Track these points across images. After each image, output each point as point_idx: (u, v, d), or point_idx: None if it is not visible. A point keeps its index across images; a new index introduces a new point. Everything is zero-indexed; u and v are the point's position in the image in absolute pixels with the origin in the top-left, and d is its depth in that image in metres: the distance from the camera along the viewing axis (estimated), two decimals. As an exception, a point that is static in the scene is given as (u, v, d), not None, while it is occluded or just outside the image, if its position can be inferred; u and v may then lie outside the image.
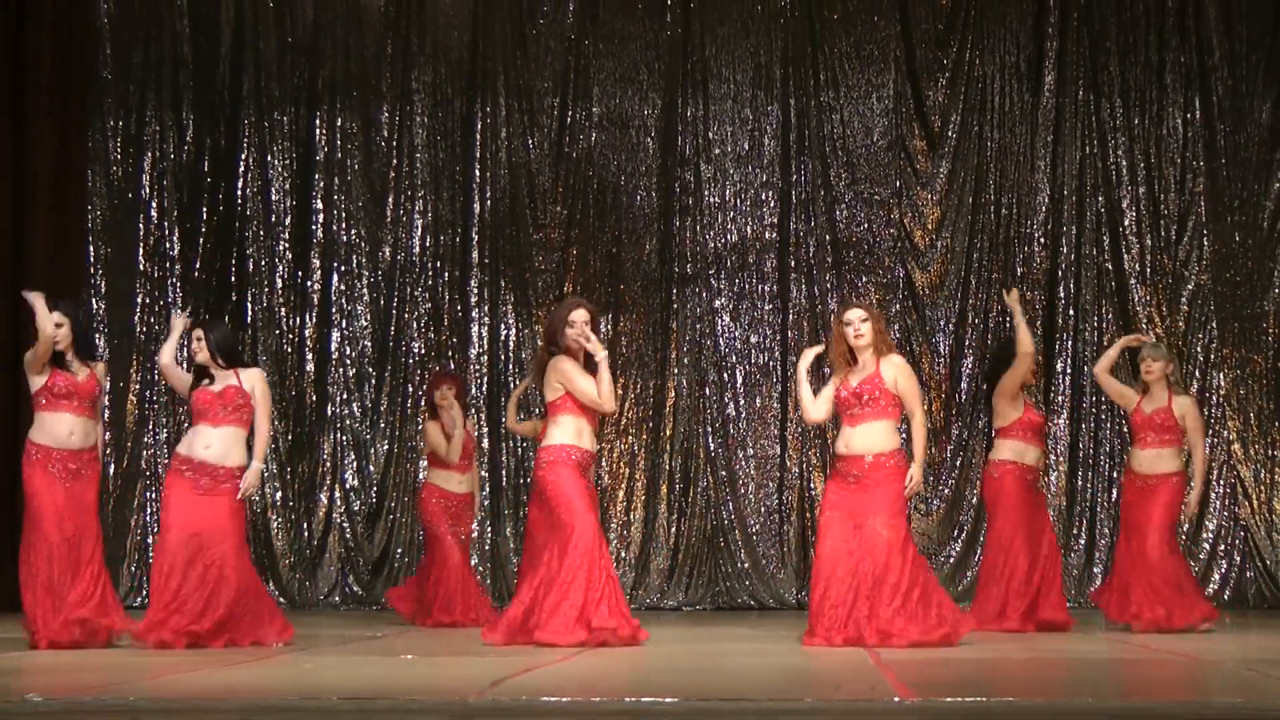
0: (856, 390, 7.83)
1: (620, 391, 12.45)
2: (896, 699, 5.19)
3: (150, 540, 12.25)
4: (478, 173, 12.71)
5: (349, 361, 12.56)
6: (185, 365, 8.40)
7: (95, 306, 12.40)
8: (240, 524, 7.99)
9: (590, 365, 7.82)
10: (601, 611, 7.58)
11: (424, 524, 10.30)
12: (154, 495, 12.31)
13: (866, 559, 7.67)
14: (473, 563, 12.23)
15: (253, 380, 8.07)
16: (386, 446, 12.42)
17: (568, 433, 7.85)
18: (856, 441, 7.83)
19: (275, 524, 12.32)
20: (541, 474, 7.88)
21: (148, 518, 12.29)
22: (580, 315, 7.85)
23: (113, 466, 12.29)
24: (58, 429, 8.01)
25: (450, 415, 10.08)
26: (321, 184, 12.72)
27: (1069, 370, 12.26)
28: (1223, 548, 11.90)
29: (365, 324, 12.61)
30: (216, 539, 7.85)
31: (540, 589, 7.71)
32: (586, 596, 7.60)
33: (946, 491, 12.28)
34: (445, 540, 10.16)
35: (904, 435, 8.08)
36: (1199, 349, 12.14)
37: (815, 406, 8.09)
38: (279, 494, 12.38)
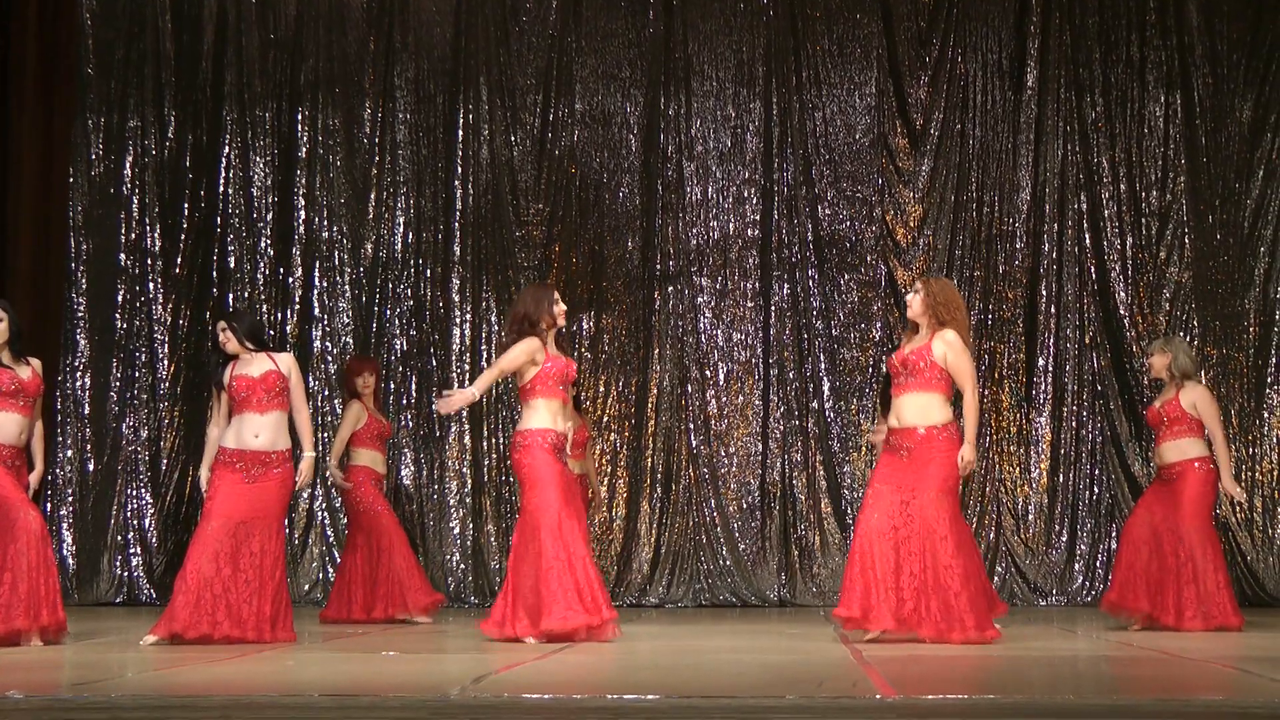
0: (904, 358, 7.85)
1: (602, 389, 12.47)
2: (879, 696, 5.20)
3: (131, 537, 12.22)
4: (460, 169, 12.70)
5: (330, 358, 12.54)
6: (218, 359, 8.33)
7: (76, 302, 12.38)
8: (285, 509, 8.06)
9: (558, 342, 8.25)
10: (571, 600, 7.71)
11: (360, 506, 10.21)
12: (134, 492, 12.28)
13: (914, 540, 7.67)
14: (454, 559, 12.27)
15: (288, 364, 8.11)
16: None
17: (543, 416, 7.99)
18: (907, 414, 7.81)
19: (257, 521, 12.28)
20: (517, 457, 7.99)
21: (128, 515, 12.26)
22: (557, 293, 8.24)
23: (92, 463, 12.26)
24: (9, 428, 8.01)
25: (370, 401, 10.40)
26: (303, 180, 12.70)
27: (1050, 367, 12.28)
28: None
29: (347, 321, 12.59)
30: (262, 525, 7.89)
31: (531, 576, 7.77)
32: (576, 580, 7.71)
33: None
34: (384, 518, 10.18)
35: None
36: (1180, 347, 12.15)
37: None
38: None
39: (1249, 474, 12.03)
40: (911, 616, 7.60)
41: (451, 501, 12.33)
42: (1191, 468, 9.10)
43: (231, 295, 12.54)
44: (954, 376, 7.78)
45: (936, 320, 7.84)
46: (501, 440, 12.34)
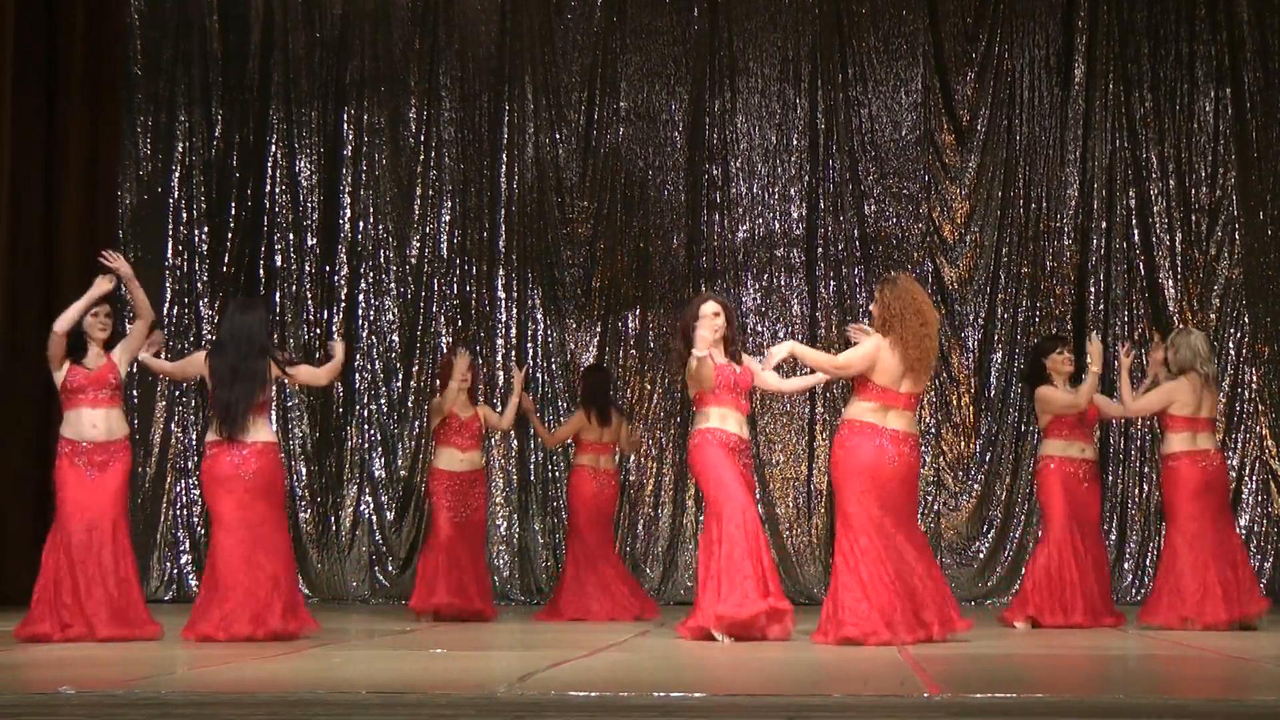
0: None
1: (647, 386, 12.46)
2: (926, 694, 5.17)
3: (181, 534, 12.31)
4: (505, 167, 12.71)
5: (376, 355, 12.58)
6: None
7: (124, 300, 12.42)
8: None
9: (733, 354, 8.12)
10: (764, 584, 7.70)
11: (430, 502, 10.39)
12: (184, 490, 12.34)
13: None
14: (501, 557, 12.25)
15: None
16: (414, 440, 12.43)
17: (710, 419, 8.00)
18: None
19: (304, 517, 12.34)
20: (689, 455, 8.08)
21: (177, 512, 12.33)
22: (709, 308, 8.04)
23: (142, 461, 12.30)
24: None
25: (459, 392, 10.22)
26: (349, 179, 12.74)
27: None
28: (1255, 544, 11.82)
29: (392, 318, 12.63)
30: None
31: (711, 569, 7.78)
32: (755, 568, 7.68)
33: (976, 487, 12.22)
34: (440, 516, 10.14)
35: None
36: (1230, 344, 12.06)
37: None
38: (307, 487, 12.40)
39: (1300, 473, 11.93)
40: None
41: (498, 499, 12.34)
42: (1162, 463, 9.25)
43: (278, 293, 12.59)
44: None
45: (885, 331, 7.69)
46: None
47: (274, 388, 8.24)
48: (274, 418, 12.15)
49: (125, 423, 8.26)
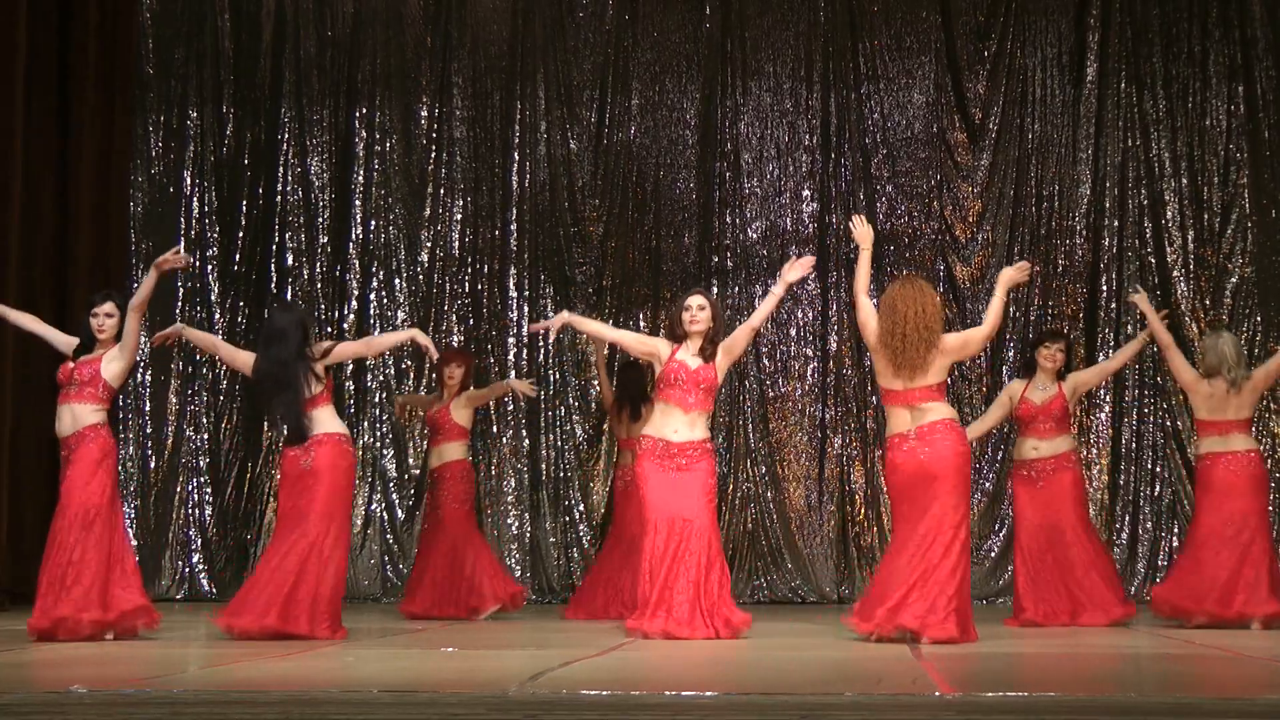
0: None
1: (659, 384, 12.45)
2: (938, 693, 5.16)
3: (193, 533, 12.31)
4: (516, 166, 12.71)
5: (387, 354, 12.58)
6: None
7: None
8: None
9: (706, 352, 8.33)
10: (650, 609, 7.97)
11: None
12: (195, 489, 12.34)
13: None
14: (513, 557, 12.23)
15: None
16: (425, 439, 12.41)
17: (653, 419, 8.33)
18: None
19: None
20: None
21: (189, 511, 12.33)
22: (695, 300, 8.36)
23: (153, 460, 12.32)
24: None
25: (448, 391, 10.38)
26: (360, 178, 12.75)
27: (1111, 363, 12.15)
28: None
29: (404, 317, 12.63)
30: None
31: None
32: (650, 590, 7.96)
33: (987, 485, 12.20)
34: (431, 515, 10.30)
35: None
36: (1243, 342, 12.02)
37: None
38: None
39: (1316, 476, 11.90)
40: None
41: (509, 498, 12.34)
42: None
43: (290, 292, 12.61)
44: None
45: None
46: (557, 436, 12.34)
47: (326, 379, 8.20)
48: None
49: (94, 413, 8.16)
